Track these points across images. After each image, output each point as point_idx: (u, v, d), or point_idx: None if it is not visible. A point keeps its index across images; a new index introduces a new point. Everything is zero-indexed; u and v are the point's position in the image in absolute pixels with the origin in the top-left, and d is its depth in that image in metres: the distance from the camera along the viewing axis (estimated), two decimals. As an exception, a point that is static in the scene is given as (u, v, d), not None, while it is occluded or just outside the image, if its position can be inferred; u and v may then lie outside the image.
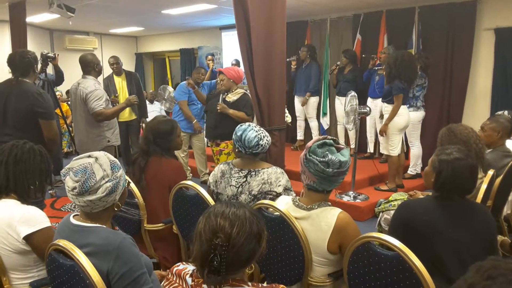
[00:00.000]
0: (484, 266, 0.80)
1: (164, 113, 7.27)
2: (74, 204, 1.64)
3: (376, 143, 5.83)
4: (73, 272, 1.42)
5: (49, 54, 4.74)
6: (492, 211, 2.53)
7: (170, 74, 10.36)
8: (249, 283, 1.24)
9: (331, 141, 1.84)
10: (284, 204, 1.93)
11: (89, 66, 3.72)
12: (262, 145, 2.39)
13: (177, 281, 1.30)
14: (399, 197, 2.96)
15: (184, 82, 5.43)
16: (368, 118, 5.56)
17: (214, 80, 5.22)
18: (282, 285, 1.29)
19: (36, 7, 5.85)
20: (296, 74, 6.35)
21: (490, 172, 2.53)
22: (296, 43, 6.71)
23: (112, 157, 1.56)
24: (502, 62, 5.08)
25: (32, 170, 1.94)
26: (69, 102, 5.88)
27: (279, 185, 2.33)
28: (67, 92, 6.98)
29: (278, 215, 1.88)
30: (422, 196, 2.59)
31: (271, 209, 1.95)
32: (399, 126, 4.44)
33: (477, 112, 5.30)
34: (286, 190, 2.35)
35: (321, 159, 1.76)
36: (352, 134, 5.81)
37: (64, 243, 1.45)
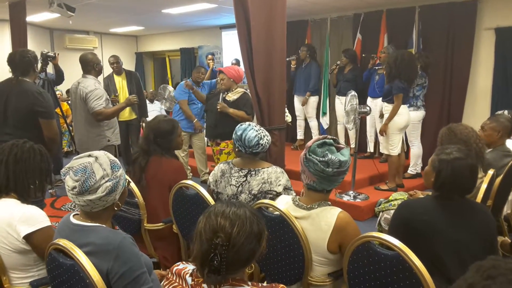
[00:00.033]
0: (484, 266, 0.80)
1: (164, 113, 7.28)
2: (74, 204, 1.62)
3: (376, 143, 5.83)
4: (73, 272, 1.42)
5: (49, 54, 4.74)
6: (492, 210, 2.53)
7: (170, 74, 10.35)
8: (249, 283, 1.24)
9: (331, 140, 1.84)
10: (284, 204, 1.93)
11: (89, 66, 3.72)
12: (262, 145, 2.39)
13: (177, 280, 1.30)
14: (399, 196, 2.96)
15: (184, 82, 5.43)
16: (368, 117, 5.56)
17: (214, 80, 5.22)
18: (282, 285, 1.29)
19: (36, 6, 5.85)
20: (296, 73, 6.34)
21: (490, 172, 2.53)
22: (296, 42, 6.71)
23: (112, 157, 1.56)
24: (502, 61, 5.08)
25: (32, 170, 1.94)
26: (69, 102, 5.88)
27: (279, 185, 2.33)
28: (67, 91, 6.98)
29: (278, 214, 1.88)
30: (422, 196, 2.59)
31: (271, 209, 1.95)
32: (399, 125, 4.44)
33: (477, 111, 5.30)
34: (286, 189, 2.35)
35: (321, 158, 1.76)
36: (352, 134, 5.81)
37: (64, 243, 1.45)
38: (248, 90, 3.70)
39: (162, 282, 1.36)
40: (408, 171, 5.16)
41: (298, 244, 1.82)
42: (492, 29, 5.12)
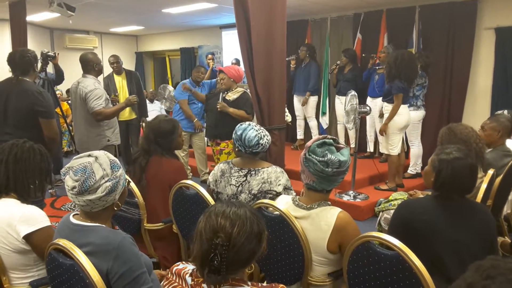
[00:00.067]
0: (483, 266, 0.80)
1: (164, 112, 7.28)
2: (74, 204, 1.63)
3: (376, 143, 5.83)
4: (72, 272, 1.42)
5: (49, 53, 4.74)
6: (492, 210, 2.52)
7: (170, 73, 10.35)
8: (249, 283, 1.24)
9: (331, 140, 1.83)
10: (284, 204, 1.93)
11: (89, 65, 3.72)
12: (262, 145, 2.39)
13: (177, 280, 1.30)
14: (399, 196, 2.96)
15: (185, 81, 5.43)
16: (368, 117, 5.56)
17: (214, 79, 5.22)
18: (281, 285, 1.29)
19: (36, 6, 5.85)
20: (295, 73, 6.34)
21: (490, 172, 2.53)
22: (296, 42, 6.71)
23: (112, 157, 1.56)
24: (502, 61, 5.08)
25: (32, 169, 1.94)
26: (69, 101, 5.87)
27: (279, 184, 2.33)
28: (67, 91, 6.98)
29: (278, 214, 1.88)
30: (422, 196, 2.59)
31: (271, 209, 1.95)
32: (399, 125, 4.44)
33: (477, 111, 5.30)
34: (286, 189, 2.35)
35: (321, 158, 1.76)
36: (352, 134, 5.81)
37: (63, 243, 1.45)
38: (248, 90, 3.70)
39: (162, 282, 1.36)
40: (408, 171, 5.16)
41: (298, 244, 1.82)
42: (492, 29, 5.12)
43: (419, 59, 4.89)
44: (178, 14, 6.91)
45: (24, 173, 1.91)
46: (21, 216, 1.77)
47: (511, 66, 5.01)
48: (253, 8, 3.12)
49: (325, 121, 6.36)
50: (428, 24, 5.51)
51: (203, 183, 4.84)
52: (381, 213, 2.94)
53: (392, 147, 4.49)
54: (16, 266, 1.80)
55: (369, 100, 5.53)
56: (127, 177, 1.64)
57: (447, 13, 5.31)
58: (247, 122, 2.48)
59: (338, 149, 1.83)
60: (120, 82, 5.30)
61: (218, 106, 3.98)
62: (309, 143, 1.84)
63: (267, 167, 2.39)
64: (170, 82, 9.87)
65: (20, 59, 3.15)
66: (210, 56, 6.58)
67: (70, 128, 5.93)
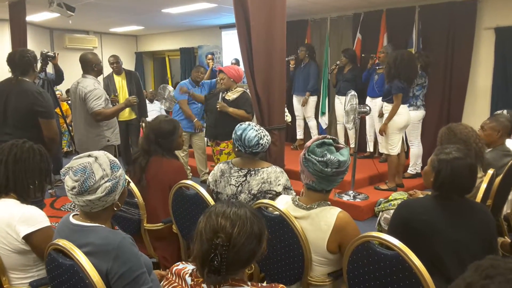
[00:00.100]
0: (483, 265, 0.80)
1: (164, 112, 7.27)
2: (73, 204, 1.63)
3: (376, 143, 5.83)
4: (72, 272, 1.42)
5: (49, 53, 4.74)
6: (491, 210, 2.52)
7: (170, 73, 10.36)
8: (249, 283, 1.24)
9: (331, 140, 1.83)
10: (284, 204, 1.93)
11: (89, 66, 3.71)
12: (262, 145, 2.39)
13: (177, 280, 1.30)
14: (399, 196, 2.96)
15: (184, 81, 5.43)
16: (367, 117, 5.56)
17: (214, 79, 5.22)
18: (281, 285, 1.29)
19: (36, 6, 5.85)
20: (295, 73, 6.35)
21: (490, 172, 2.53)
22: (296, 42, 6.71)
23: (111, 157, 1.56)
24: (502, 61, 5.08)
25: (32, 170, 1.94)
26: (69, 101, 5.87)
27: (278, 184, 2.33)
28: (67, 91, 6.98)
29: (277, 214, 1.88)
30: (421, 196, 2.59)
31: (270, 209, 1.95)
32: (399, 125, 4.44)
33: (477, 111, 5.30)
34: (286, 189, 2.35)
35: (320, 158, 1.76)
36: (351, 134, 5.82)
37: (63, 243, 1.45)
38: (248, 90, 3.70)
39: (162, 282, 1.36)
40: (408, 171, 5.16)
41: (297, 244, 1.82)
42: (492, 29, 5.12)
43: (419, 59, 4.89)
44: (178, 14, 6.91)
45: (24, 173, 1.91)
46: (20, 216, 1.77)
47: (510, 66, 5.02)
48: (253, 8, 3.12)
49: (324, 121, 6.36)
50: (428, 24, 5.51)
51: (203, 183, 4.84)
52: (381, 213, 2.94)
53: (391, 147, 4.49)
54: (15, 267, 1.80)
55: (368, 100, 5.53)
56: (127, 177, 1.64)
57: (446, 13, 5.32)
58: (247, 122, 2.48)
59: (338, 149, 1.83)
60: (120, 82, 5.30)
61: (217, 106, 3.98)
62: (308, 143, 1.84)
63: (267, 167, 2.39)
64: (170, 82, 9.87)
65: (19, 59, 3.15)
66: (210, 56, 6.58)
67: (70, 128, 5.93)
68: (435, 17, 5.41)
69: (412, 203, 2.01)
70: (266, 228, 1.28)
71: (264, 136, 2.41)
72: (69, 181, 1.48)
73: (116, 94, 5.09)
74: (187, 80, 5.41)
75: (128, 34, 10.14)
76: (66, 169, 1.51)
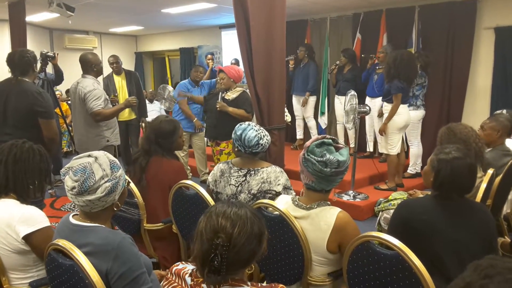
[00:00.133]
0: (482, 265, 0.80)
1: (163, 113, 7.27)
2: (73, 204, 1.63)
3: (376, 142, 5.83)
4: (72, 272, 1.42)
5: (48, 53, 4.74)
6: (491, 210, 2.52)
7: (170, 73, 10.36)
8: (249, 283, 1.24)
9: (330, 140, 1.83)
10: (284, 204, 1.93)
11: (89, 66, 3.71)
12: (262, 145, 2.39)
13: (177, 280, 1.30)
14: (399, 196, 2.97)
15: (183, 81, 5.43)
16: (367, 117, 5.56)
17: (214, 79, 5.22)
18: (281, 285, 1.29)
19: (35, 6, 5.85)
20: (294, 73, 6.34)
21: (490, 171, 2.53)
22: (296, 42, 6.71)
23: (111, 157, 1.56)
24: (502, 61, 5.08)
25: (32, 170, 1.93)
26: (69, 102, 5.87)
27: (278, 184, 2.33)
28: (67, 91, 6.98)
29: (277, 214, 1.88)
30: (421, 196, 2.59)
31: (270, 209, 1.95)
32: (399, 125, 4.44)
33: (477, 110, 5.30)
34: (286, 189, 2.35)
35: (319, 158, 1.76)
36: (351, 133, 5.82)
37: (63, 243, 1.45)
38: (248, 90, 3.70)
39: (162, 282, 1.36)
40: (408, 171, 5.16)
41: (297, 244, 1.82)
42: (491, 29, 5.12)
43: (419, 59, 4.89)
44: (178, 14, 6.91)
45: (24, 173, 1.91)
46: (20, 216, 1.77)
47: (510, 66, 5.02)
48: (253, 8, 3.12)
49: (323, 121, 6.36)
50: (427, 24, 5.51)
51: (203, 183, 4.84)
52: (380, 213, 2.94)
53: (391, 146, 4.49)
54: (15, 267, 1.80)
55: (368, 100, 5.54)
56: (127, 177, 1.64)
57: (446, 13, 5.32)
58: (247, 122, 2.48)
59: (337, 149, 1.83)
60: (120, 82, 5.30)
61: (217, 106, 3.98)
62: (308, 143, 1.84)
63: (267, 167, 2.39)
64: (169, 82, 9.87)
65: (19, 60, 3.15)
66: (209, 56, 6.58)
67: (70, 128, 5.93)
68: (434, 17, 5.41)
69: (412, 203, 2.01)
70: (266, 228, 1.28)
71: (264, 136, 2.41)
72: (69, 181, 1.48)
73: (116, 94, 5.09)
74: (187, 80, 5.41)
75: (127, 34, 10.14)
76: (66, 169, 1.51)
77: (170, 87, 7.57)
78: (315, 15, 6.66)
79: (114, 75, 5.31)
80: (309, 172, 1.79)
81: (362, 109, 4.28)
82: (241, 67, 4.69)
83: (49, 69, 5.11)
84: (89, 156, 1.52)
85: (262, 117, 3.31)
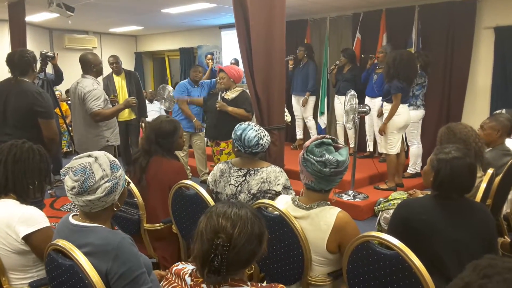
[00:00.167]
0: (480, 265, 0.80)
1: (163, 113, 7.27)
2: (73, 204, 1.64)
3: (376, 142, 5.83)
4: (72, 272, 1.42)
5: (48, 54, 4.74)
6: (491, 210, 2.52)
7: (170, 73, 10.35)
8: (248, 283, 1.24)
9: (329, 140, 1.83)
10: (284, 204, 1.93)
11: (89, 66, 3.71)
12: (262, 145, 2.39)
13: (176, 280, 1.30)
14: (399, 196, 2.97)
15: (183, 81, 5.42)
16: (367, 117, 5.56)
17: (214, 79, 5.22)
18: (281, 285, 1.29)
19: (35, 6, 5.85)
20: (293, 73, 6.34)
21: (490, 171, 2.53)
22: (295, 42, 6.71)
23: (112, 157, 1.56)
24: (501, 60, 5.08)
25: (31, 170, 1.93)
26: (68, 102, 5.87)
27: (278, 184, 2.33)
28: (67, 91, 6.98)
29: (277, 214, 1.88)
30: (421, 195, 2.59)
31: (270, 209, 1.95)
32: (398, 125, 4.44)
33: (477, 110, 5.30)
34: (285, 188, 2.35)
35: (318, 158, 1.76)
36: (351, 133, 5.81)
37: (63, 243, 1.45)
38: (247, 89, 3.70)
39: (162, 283, 1.36)
40: (408, 171, 5.16)
41: (297, 244, 1.82)
42: (491, 28, 5.12)
43: (419, 59, 4.89)
44: (178, 14, 6.91)
45: (23, 173, 1.91)
46: (20, 216, 1.77)
47: (510, 65, 5.02)
48: (252, 8, 3.12)
49: (323, 121, 6.36)
50: (427, 24, 5.51)
51: (203, 183, 4.84)
52: (380, 213, 2.94)
53: (390, 146, 4.49)
54: (15, 267, 1.80)
55: (367, 100, 5.54)
56: (126, 177, 1.64)
57: (446, 13, 5.32)
58: (247, 122, 2.48)
59: (337, 149, 1.82)
60: (120, 83, 5.30)
61: (217, 106, 3.98)
62: (307, 143, 1.84)
63: (266, 167, 2.39)
64: (169, 82, 9.87)
65: (19, 60, 3.15)
66: (209, 56, 6.58)
67: (70, 128, 5.93)
68: (434, 17, 5.42)
69: (411, 203, 2.01)
70: (266, 228, 1.28)
71: (264, 136, 2.41)
72: (69, 181, 1.48)
73: (116, 94, 5.09)
74: (186, 80, 5.41)
75: (127, 34, 10.14)
76: (66, 169, 1.51)
77: (170, 87, 7.54)
78: (314, 15, 6.66)
79: (114, 75, 5.31)
80: (309, 172, 1.79)
81: (362, 109, 4.28)
82: (241, 67, 4.69)
83: (49, 69, 5.11)
84: (89, 156, 1.52)
85: (262, 117, 3.31)
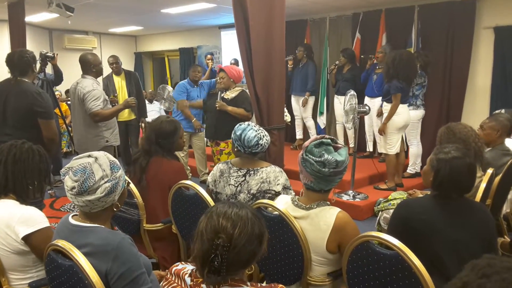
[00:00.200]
0: (479, 264, 0.80)
1: (163, 113, 7.27)
2: (73, 204, 1.64)
3: (375, 142, 5.83)
4: (72, 273, 1.42)
5: (48, 54, 4.73)
6: (491, 210, 2.53)
7: (170, 74, 10.35)
8: (248, 283, 1.24)
9: (329, 140, 1.83)
10: (283, 204, 1.93)
11: (88, 66, 3.71)
12: (261, 145, 2.39)
13: (176, 281, 1.30)
14: (399, 196, 2.97)
15: (182, 81, 5.42)
16: (366, 117, 5.56)
17: (214, 79, 5.22)
18: (281, 285, 1.29)
19: (35, 6, 5.84)
20: (293, 73, 6.34)
21: (489, 171, 2.53)
22: (295, 42, 6.70)
23: (112, 157, 1.56)
24: (501, 60, 5.08)
25: (31, 170, 1.93)
26: (68, 102, 5.87)
27: (277, 184, 2.33)
28: (67, 91, 6.98)
29: (277, 214, 1.88)
30: (421, 195, 2.59)
31: (270, 209, 1.95)
32: (398, 125, 4.44)
33: (476, 110, 5.30)
34: (285, 189, 2.35)
35: (317, 158, 1.76)
36: (351, 133, 5.82)
37: (62, 243, 1.45)
38: (247, 90, 3.70)
39: (161, 283, 1.36)
40: (407, 171, 5.16)
41: (297, 244, 1.82)
42: (491, 28, 5.12)
43: (418, 59, 4.90)
44: (177, 14, 6.91)
45: (23, 173, 1.91)
46: (20, 217, 1.77)
47: (510, 65, 5.02)
48: (252, 8, 3.12)
49: (322, 121, 6.36)
50: (427, 24, 5.52)
51: (203, 183, 4.84)
52: (380, 213, 2.94)
53: (389, 146, 4.49)
54: (15, 267, 1.80)
55: (367, 100, 5.53)
56: (126, 178, 1.64)
57: (446, 13, 5.32)
58: (246, 123, 2.48)
59: (336, 149, 1.82)
60: (119, 83, 5.30)
61: (216, 105, 3.98)
62: (306, 143, 1.84)
63: (266, 167, 2.39)
64: (169, 82, 9.87)
65: (18, 60, 3.15)
66: (209, 56, 6.58)
67: (69, 129, 5.93)
68: (434, 17, 5.42)
69: (411, 203, 2.01)
70: (266, 228, 1.28)
71: (263, 136, 2.41)
72: (68, 181, 1.48)
73: (116, 94, 5.09)
74: (186, 80, 5.40)
75: (127, 35, 10.13)
76: (66, 169, 1.51)
77: (169, 87, 7.57)
78: (314, 15, 6.66)
79: (113, 76, 5.31)
80: (308, 172, 1.79)
81: (361, 109, 4.28)
82: (241, 67, 4.69)
83: (49, 69, 5.10)
84: (89, 156, 1.52)
85: (262, 117, 3.30)
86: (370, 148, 5.88)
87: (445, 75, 5.43)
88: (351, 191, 4.48)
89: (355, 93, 4.27)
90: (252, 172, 2.37)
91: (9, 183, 1.88)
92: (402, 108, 4.42)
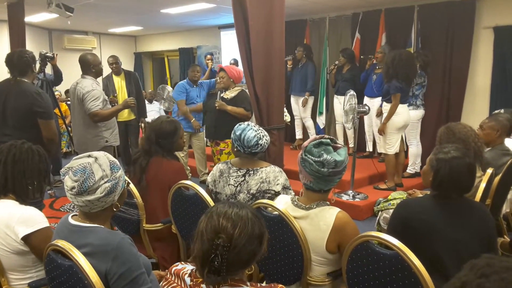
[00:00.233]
0: (478, 264, 0.80)
1: (163, 113, 7.27)
2: (73, 205, 1.64)
3: (375, 142, 5.83)
4: (71, 273, 1.42)
5: (47, 54, 4.73)
6: (491, 209, 2.53)
7: (169, 74, 10.35)
8: (248, 283, 1.24)
9: (328, 140, 1.83)
10: (283, 204, 1.93)
11: (88, 66, 3.71)
12: (261, 145, 2.39)
13: (176, 281, 1.30)
14: (398, 196, 2.97)
15: (182, 82, 5.42)
16: (366, 117, 5.56)
17: (213, 79, 5.22)
18: (281, 285, 1.29)
19: (34, 6, 5.84)
20: (292, 73, 6.34)
21: (489, 171, 2.53)
22: (295, 42, 6.70)
23: (111, 158, 1.56)
24: (501, 60, 5.08)
25: (31, 170, 1.93)
26: (68, 102, 5.87)
27: (277, 184, 2.33)
28: (66, 92, 6.98)
29: (277, 214, 1.88)
30: (421, 195, 2.59)
31: (270, 209, 1.95)
32: (398, 125, 4.44)
33: (476, 110, 5.30)
34: (285, 188, 2.35)
35: (316, 159, 1.76)
36: (350, 133, 5.82)
37: (62, 244, 1.45)
38: (246, 89, 3.70)
39: (161, 283, 1.36)
40: (407, 170, 5.17)
41: (297, 244, 1.82)
42: (490, 28, 5.13)
43: (418, 59, 4.90)
44: (177, 14, 6.91)
45: (23, 174, 1.91)
46: (19, 217, 1.77)
47: (509, 65, 5.02)
48: (252, 8, 3.12)
49: (321, 121, 6.36)
50: (426, 23, 5.52)
51: (202, 183, 4.84)
52: (380, 213, 2.94)
53: (389, 146, 4.49)
54: (14, 267, 1.80)
55: (366, 100, 5.54)
56: (126, 178, 1.64)
57: (445, 12, 5.32)
58: (246, 123, 2.48)
59: (336, 149, 1.82)
60: (119, 83, 5.29)
61: (216, 105, 3.98)
62: (305, 143, 1.84)
63: (266, 167, 2.39)
64: (169, 82, 9.87)
65: (18, 60, 3.15)
66: (209, 56, 6.58)
67: (69, 129, 5.93)
68: (434, 17, 5.42)
69: (411, 203, 2.02)
70: (266, 228, 1.29)
71: (263, 136, 2.41)
72: (68, 181, 1.48)
73: (115, 94, 5.09)
74: (185, 80, 5.40)
75: (127, 35, 10.13)
76: (66, 169, 1.51)
77: (169, 88, 7.57)
78: (314, 15, 6.66)
79: (113, 76, 5.31)
80: (307, 172, 1.79)
81: (361, 109, 4.28)
82: (240, 67, 4.69)
83: (48, 69, 5.11)
84: (89, 156, 1.52)
85: (261, 117, 3.30)
86: (369, 148, 5.89)
87: (445, 75, 5.43)
88: (350, 191, 4.48)
89: (354, 93, 4.27)
90: (252, 172, 2.37)
91: (9, 183, 1.89)
92: (402, 108, 4.42)
